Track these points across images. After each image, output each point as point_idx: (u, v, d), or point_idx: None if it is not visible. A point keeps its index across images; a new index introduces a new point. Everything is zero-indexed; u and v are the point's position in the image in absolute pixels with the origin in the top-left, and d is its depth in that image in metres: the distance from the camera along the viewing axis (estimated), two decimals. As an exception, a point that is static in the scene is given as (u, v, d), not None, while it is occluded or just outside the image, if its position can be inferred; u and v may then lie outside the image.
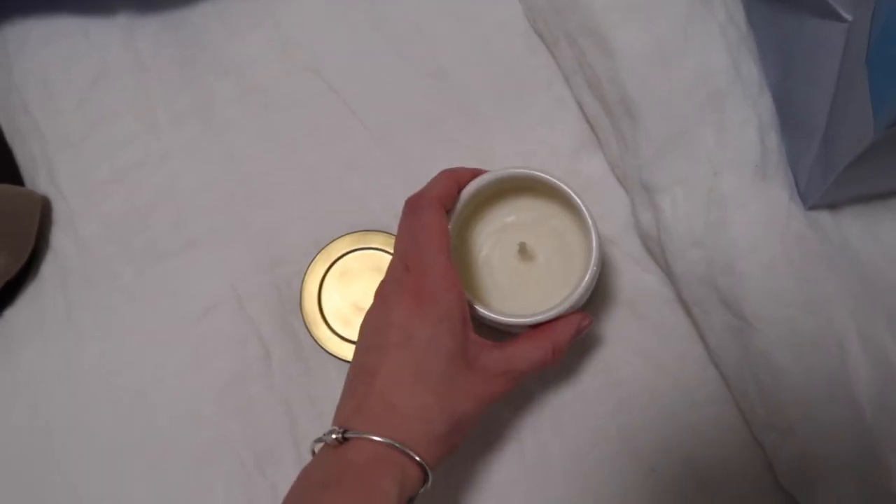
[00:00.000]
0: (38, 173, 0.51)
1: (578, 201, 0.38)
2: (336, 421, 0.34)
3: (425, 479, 0.32)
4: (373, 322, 0.35)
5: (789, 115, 0.40)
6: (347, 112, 0.50)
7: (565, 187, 0.38)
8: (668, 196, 0.40)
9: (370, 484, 0.30)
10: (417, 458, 0.31)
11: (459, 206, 0.38)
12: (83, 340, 0.49)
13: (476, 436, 0.45)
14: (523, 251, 0.40)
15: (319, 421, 0.46)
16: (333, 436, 0.32)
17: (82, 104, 0.51)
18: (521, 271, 0.42)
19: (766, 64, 0.41)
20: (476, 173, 0.39)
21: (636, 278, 0.45)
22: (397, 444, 0.31)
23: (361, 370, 0.35)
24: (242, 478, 0.45)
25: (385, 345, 0.33)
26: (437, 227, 0.35)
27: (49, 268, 0.51)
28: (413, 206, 0.36)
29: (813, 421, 0.36)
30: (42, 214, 0.50)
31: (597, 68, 0.41)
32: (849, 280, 0.38)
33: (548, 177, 0.38)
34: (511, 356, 0.36)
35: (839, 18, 0.35)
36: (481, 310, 0.37)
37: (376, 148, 0.49)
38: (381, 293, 0.36)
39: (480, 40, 0.49)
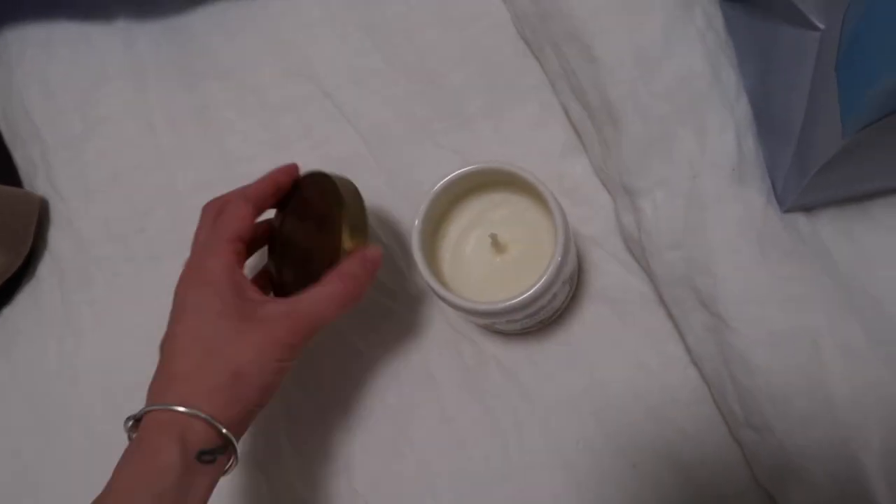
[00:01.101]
0: (38, 175, 0.53)
1: (547, 193, 0.38)
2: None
3: (220, 433, 0.33)
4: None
5: (766, 120, 0.41)
6: (340, 116, 0.51)
7: (534, 179, 0.38)
8: (648, 198, 0.41)
9: (151, 450, 0.32)
10: (185, 410, 0.32)
11: (431, 199, 0.39)
12: (80, 339, 0.50)
13: (459, 434, 0.46)
14: (495, 243, 0.41)
15: (315, 414, 0.47)
16: (130, 422, 0.34)
17: (81, 107, 0.52)
18: (494, 264, 0.42)
19: (744, 70, 0.42)
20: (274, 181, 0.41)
21: (620, 279, 0.46)
22: (169, 406, 0.32)
23: (160, 352, 0.36)
24: (237, 471, 0.46)
25: (171, 321, 0.36)
26: (238, 212, 0.38)
27: (47, 267, 0.52)
28: (235, 195, 0.40)
29: (788, 418, 0.37)
30: (40, 215, 0.51)
31: (580, 74, 0.43)
32: (823, 280, 0.39)
33: (518, 170, 0.39)
34: (294, 301, 0.36)
35: (812, 27, 0.36)
36: (447, 294, 0.38)
37: (367, 151, 0.51)
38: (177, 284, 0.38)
39: (469, 46, 0.50)
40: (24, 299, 0.52)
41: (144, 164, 0.52)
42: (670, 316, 0.44)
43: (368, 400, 0.47)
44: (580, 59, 0.42)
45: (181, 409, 0.32)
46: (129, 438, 0.34)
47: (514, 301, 0.37)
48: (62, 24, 0.54)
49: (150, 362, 0.49)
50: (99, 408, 0.49)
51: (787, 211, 0.41)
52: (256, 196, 0.40)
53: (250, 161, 0.51)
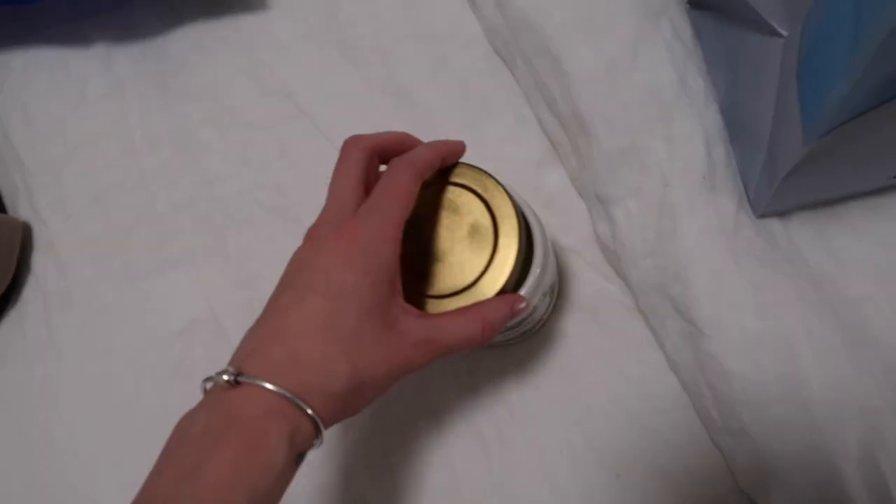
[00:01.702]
0: (20, 200, 0.53)
1: (523, 204, 0.37)
2: (232, 361, 0.30)
3: (317, 436, 0.29)
4: (299, 262, 0.33)
5: (737, 127, 0.41)
6: (318, 133, 0.52)
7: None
8: (621, 207, 0.41)
9: (257, 441, 0.27)
10: (310, 413, 0.28)
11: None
12: (65, 362, 0.50)
13: (442, 444, 0.45)
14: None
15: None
16: (224, 377, 0.28)
17: (62, 131, 0.53)
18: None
19: (714, 77, 0.42)
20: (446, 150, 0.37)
21: (600, 288, 0.46)
22: (290, 396, 0.28)
23: (274, 307, 0.31)
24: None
25: (304, 286, 0.31)
26: (409, 188, 0.33)
27: (31, 291, 0.52)
28: (394, 164, 0.34)
29: (765, 423, 0.37)
30: (23, 240, 0.52)
31: (551, 87, 0.43)
32: (798, 284, 0.39)
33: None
34: (435, 327, 0.33)
35: (776, 34, 0.37)
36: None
37: (346, 167, 0.51)
38: (313, 234, 0.33)
39: (443, 61, 0.51)
40: (9, 324, 0.52)
41: (124, 185, 0.52)
42: (648, 323, 0.44)
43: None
44: (551, 71, 0.43)
45: (307, 408, 0.28)
46: (204, 391, 0.30)
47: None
48: (41, 49, 0.54)
49: (133, 382, 0.50)
50: (83, 432, 0.49)
51: (761, 216, 0.41)
52: (424, 169, 0.34)
53: (228, 180, 0.51)
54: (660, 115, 0.40)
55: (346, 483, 0.46)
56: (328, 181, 0.51)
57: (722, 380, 0.38)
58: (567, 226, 0.47)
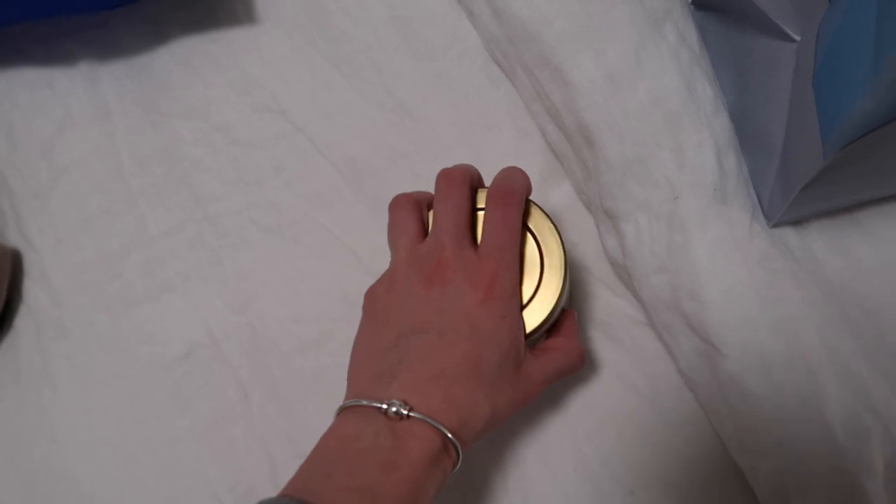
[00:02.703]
0: (8, 226, 0.51)
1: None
2: (383, 393, 0.31)
3: (452, 469, 0.32)
4: (431, 302, 0.33)
5: (748, 134, 0.40)
6: (313, 150, 0.50)
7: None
8: (630, 222, 0.40)
9: (421, 483, 0.29)
10: (459, 451, 0.31)
11: None
12: (60, 391, 0.49)
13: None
14: None
15: (299, 461, 0.46)
16: (395, 409, 0.30)
17: (47, 154, 0.51)
18: None
19: (723, 83, 0.41)
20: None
21: (608, 302, 0.45)
22: (451, 438, 0.30)
23: (409, 348, 0.32)
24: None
25: (448, 329, 0.32)
26: (518, 225, 0.36)
27: (23, 320, 0.51)
28: (506, 197, 0.36)
29: (786, 443, 0.36)
30: (13, 267, 0.50)
31: (554, 98, 0.41)
32: (815, 297, 0.38)
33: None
34: (550, 363, 0.36)
35: (788, 39, 0.35)
36: None
37: (343, 184, 0.49)
38: (441, 274, 0.34)
39: (440, 73, 0.49)
40: (2, 353, 0.51)
41: (114, 209, 0.50)
42: (660, 339, 0.43)
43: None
44: (552, 82, 0.41)
45: (461, 452, 0.31)
46: (341, 410, 0.33)
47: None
48: (23, 70, 0.52)
49: (130, 410, 0.49)
50: (82, 463, 0.48)
51: (775, 226, 0.40)
52: (524, 200, 0.38)
53: (221, 200, 0.50)
54: (667, 124, 0.39)
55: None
56: (325, 198, 0.50)
57: (741, 400, 0.37)
58: (574, 241, 0.46)
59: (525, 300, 0.37)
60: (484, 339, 0.33)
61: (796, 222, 0.40)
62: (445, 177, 0.37)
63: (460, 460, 0.32)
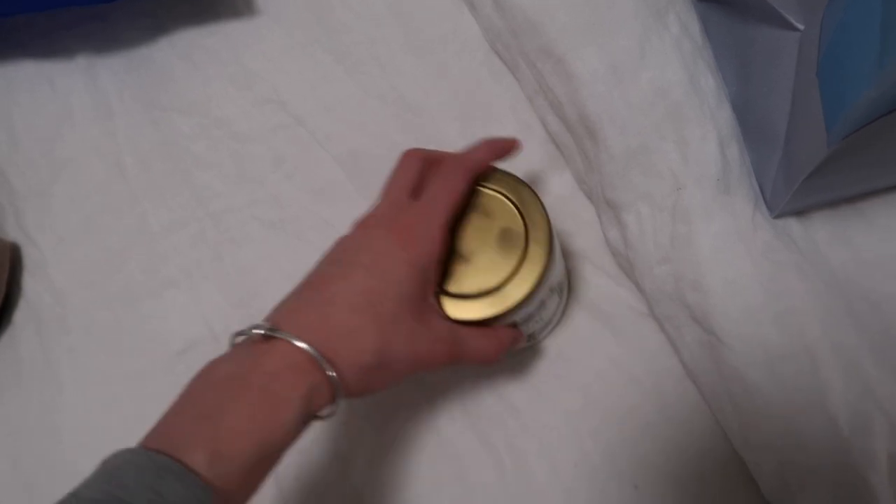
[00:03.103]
0: (7, 221, 0.51)
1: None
2: (267, 318, 0.32)
3: (333, 401, 0.31)
4: (348, 241, 0.35)
5: (751, 124, 0.40)
6: (314, 143, 0.50)
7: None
8: (632, 213, 0.40)
9: (275, 393, 0.29)
10: (332, 374, 0.30)
11: None
12: (61, 386, 0.49)
13: (453, 456, 0.45)
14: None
15: (298, 453, 0.46)
16: (255, 331, 0.30)
17: (48, 151, 0.51)
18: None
19: (725, 74, 0.40)
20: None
21: (611, 293, 0.45)
22: (316, 355, 0.29)
23: (316, 278, 0.34)
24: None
25: (353, 263, 0.33)
26: (459, 188, 0.36)
27: (23, 315, 0.51)
28: (453, 162, 0.37)
29: (789, 435, 0.36)
30: (13, 262, 0.50)
31: (556, 90, 0.41)
32: (819, 288, 0.37)
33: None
34: (458, 333, 0.35)
35: (791, 28, 0.35)
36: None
37: (345, 177, 0.49)
38: (365, 223, 0.35)
39: (441, 65, 0.49)
40: (3, 348, 0.51)
41: (115, 206, 0.50)
42: (662, 330, 0.43)
43: (359, 429, 0.46)
44: (555, 74, 0.41)
45: (331, 372, 0.30)
46: (232, 346, 0.32)
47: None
48: (22, 65, 0.52)
49: (131, 405, 0.48)
50: (84, 459, 0.47)
51: (778, 217, 0.39)
52: (476, 170, 0.37)
53: (222, 195, 0.50)
54: (670, 115, 0.39)
55: (354, 496, 0.45)
56: (327, 193, 0.50)
57: (744, 393, 0.37)
58: (575, 230, 0.46)
59: (507, 274, 0.36)
60: (386, 277, 0.32)
61: (799, 213, 0.40)
62: (402, 154, 0.38)
63: (341, 391, 0.30)
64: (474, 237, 0.37)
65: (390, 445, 0.45)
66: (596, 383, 0.44)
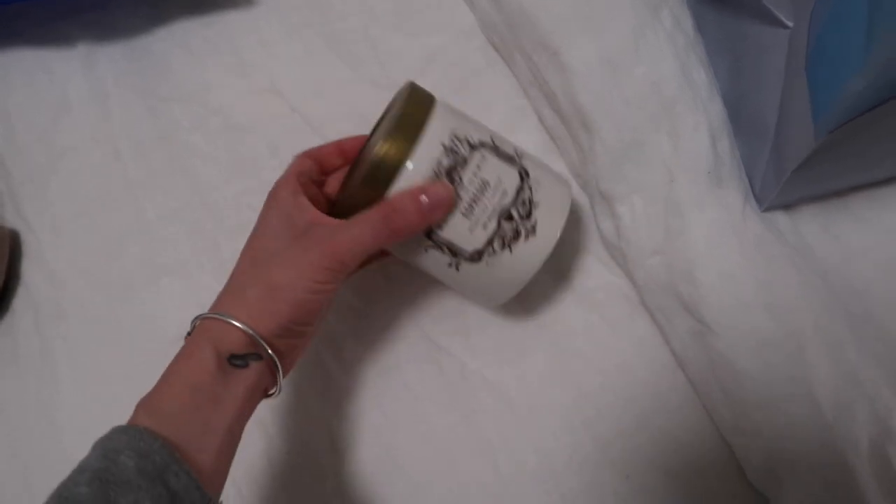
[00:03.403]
0: (6, 208, 0.51)
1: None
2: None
3: (252, 342, 0.34)
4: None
5: (741, 119, 0.41)
6: (309, 130, 0.50)
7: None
8: (626, 204, 0.40)
9: (188, 350, 0.35)
10: (217, 317, 0.34)
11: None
12: (58, 372, 0.49)
13: (445, 449, 0.45)
14: None
15: (293, 439, 0.47)
16: (186, 335, 0.36)
17: (45, 138, 0.51)
18: None
19: (716, 69, 0.41)
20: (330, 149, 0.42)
21: (605, 282, 0.46)
22: (214, 315, 0.35)
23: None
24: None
25: (242, 253, 0.38)
26: (297, 161, 0.40)
27: (21, 301, 0.51)
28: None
29: (776, 421, 0.37)
30: (11, 248, 0.50)
31: (551, 82, 0.42)
32: (806, 279, 0.38)
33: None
34: (338, 226, 0.36)
35: (781, 24, 0.36)
36: None
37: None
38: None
39: (436, 55, 0.49)
40: (1, 335, 0.51)
41: (112, 194, 0.51)
42: (654, 320, 0.43)
43: (352, 422, 0.46)
44: (550, 66, 0.41)
45: (215, 315, 0.34)
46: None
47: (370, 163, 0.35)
48: (20, 52, 0.52)
49: (127, 392, 0.49)
50: (79, 445, 0.48)
51: (767, 210, 0.40)
52: (318, 154, 0.41)
53: (219, 184, 0.50)
54: (663, 108, 0.39)
55: (350, 488, 0.45)
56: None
57: (733, 379, 0.38)
58: (570, 219, 0.46)
59: (376, 146, 0.36)
60: (257, 230, 0.37)
61: (788, 206, 0.41)
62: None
63: (249, 325, 0.34)
64: (372, 139, 0.39)
65: (383, 438, 0.46)
66: (589, 373, 0.45)
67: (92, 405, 0.48)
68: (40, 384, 0.49)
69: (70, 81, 0.52)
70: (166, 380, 0.34)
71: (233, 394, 0.33)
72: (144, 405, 0.33)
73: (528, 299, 0.46)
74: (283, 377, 0.36)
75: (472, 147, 0.37)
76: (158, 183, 0.51)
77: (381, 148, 0.35)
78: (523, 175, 0.38)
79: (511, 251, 0.38)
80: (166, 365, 0.48)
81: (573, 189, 0.46)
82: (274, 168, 0.50)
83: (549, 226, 0.38)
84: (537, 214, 0.38)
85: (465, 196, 0.36)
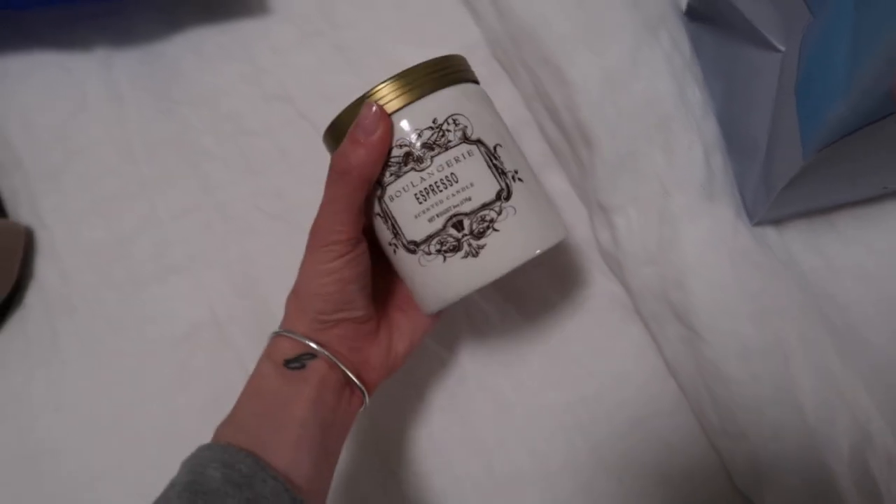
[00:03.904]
0: (21, 204, 0.53)
1: None
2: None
3: (301, 343, 0.36)
4: None
5: (734, 137, 0.42)
6: (318, 137, 0.51)
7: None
8: (622, 215, 0.42)
9: (254, 371, 0.37)
10: (278, 331, 0.37)
11: None
12: (68, 366, 0.50)
13: (441, 450, 0.46)
14: None
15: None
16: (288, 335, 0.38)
17: (62, 136, 0.53)
18: None
19: (711, 89, 0.43)
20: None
21: (602, 289, 0.47)
22: (273, 333, 0.37)
23: None
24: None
25: None
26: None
27: (34, 296, 0.52)
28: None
29: (761, 427, 0.39)
30: (26, 245, 0.52)
31: (553, 96, 0.44)
32: (792, 292, 0.40)
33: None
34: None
35: (773, 48, 0.38)
36: None
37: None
38: None
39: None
40: (12, 328, 0.52)
41: (125, 192, 0.52)
42: (647, 327, 0.45)
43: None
44: (552, 81, 0.43)
45: (279, 330, 0.37)
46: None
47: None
48: (41, 55, 0.54)
49: (134, 387, 0.50)
50: (85, 437, 0.49)
51: (757, 225, 0.42)
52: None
53: (229, 186, 0.52)
54: (659, 124, 0.41)
55: (346, 487, 0.47)
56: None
57: (720, 384, 0.39)
58: (570, 226, 0.48)
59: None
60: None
61: (777, 222, 0.43)
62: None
63: (295, 335, 0.36)
64: None
65: (378, 440, 0.47)
66: (584, 378, 0.46)
67: (99, 399, 0.50)
68: (49, 376, 0.50)
69: (87, 83, 0.53)
70: (238, 399, 0.36)
71: (298, 391, 0.35)
72: (222, 424, 0.35)
73: (526, 304, 0.48)
74: (369, 375, 0.37)
75: (466, 138, 0.34)
76: (170, 183, 0.52)
77: (375, 92, 0.34)
78: (502, 194, 0.34)
79: (444, 261, 0.34)
80: (174, 361, 0.50)
81: (575, 201, 0.48)
82: (283, 172, 0.52)
83: (496, 258, 0.33)
84: (490, 241, 0.33)
85: (428, 179, 0.33)
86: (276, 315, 0.49)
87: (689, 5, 0.45)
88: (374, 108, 0.33)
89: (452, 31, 0.51)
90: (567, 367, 0.46)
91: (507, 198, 0.34)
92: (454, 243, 0.34)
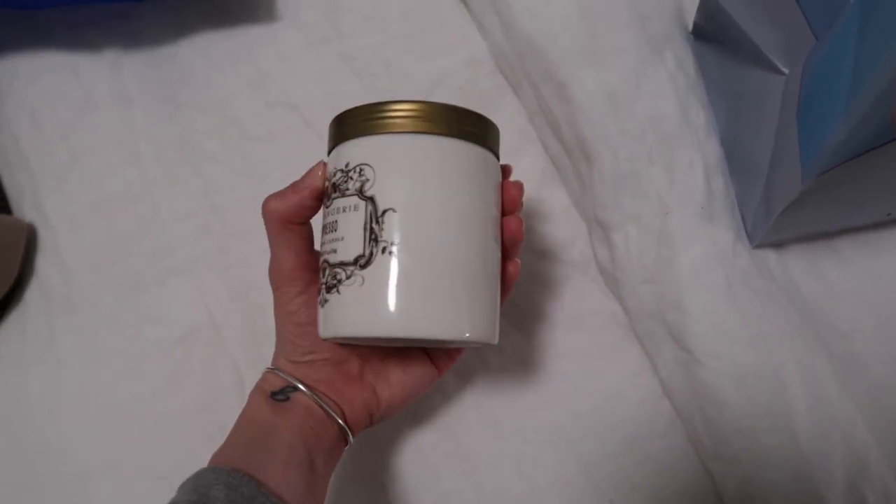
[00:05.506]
0: (25, 202, 0.53)
1: None
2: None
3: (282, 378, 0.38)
4: None
5: (737, 159, 0.42)
6: (322, 145, 0.52)
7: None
8: (621, 233, 0.42)
9: (247, 402, 0.38)
10: (269, 367, 0.39)
11: None
12: (64, 364, 0.51)
13: (430, 465, 0.46)
14: None
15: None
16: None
17: (68, 136, 0.53)
18: None
19: (715, 109, 0.43)
20: None
21: (598, 306, 0.46)
22: (265, 369, 0.39)
23: None
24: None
25: None
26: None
27: (34, 294, 0.52)
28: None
29: (754, 451, 0.38)
30: (28, 241, 0.52)
31: (556, 112, 0.43)
32: (791, 316, 0.40)
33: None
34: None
35: (777, 71, 0.37)
36: None
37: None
38: None
39: (447, 77, 0.51)
40: (11, 325, 0.52)
41: (129, 193, 0.52)
42: (643, 347, 0.45)
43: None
44: (556, 97, 0.43)
45: (269, 367, 0.39)
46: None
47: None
48: (50, 56, 0.54)
49: (129, 387, 0.50)
50: (79, 436, 0.49)
51: (758, 247, 0.42)
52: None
53: (230, 191, 0.52)
54: (661, 144, 0.41)
55: (336, 502, 0.46)
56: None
57: (714, 408, 0.39)
58: (568, 242, 0.48)
59: None
60: None
61: (777, 245, 0.42)
62: None
63: (279, 372, 0.38)
64: None
65: (368, 455, 0.47)
66: (577, 397, 0.46)
67: (95, 399, 0.50)
68: (45, 374, 0.50)
69: (96, 85, 0.54)
70: (232, 429, 0.38)
71: (285, 419, 0.36)
72: (217, 453, 0.36)
73: (523, 322, 0.48)
74: (354, 415, 0.38)
75: (359, 192, 0.33)
76: (174, 185, 0.52)
77: (333, 124, 0.37)
78: (360, 260, 0.32)
79: (318, 296, 0.35)
80: (170, 363, 0.50)
81: (575, 216, 0.47)
82: (285, 178, 0.52)
83: (331, 320, 0.33)
84: (332, 300, 0.33)
85: (326, 218, 0.35)
86: (271, 321, 0.49)
87: (695, 24, 0.44)
88: (316, 165, 0.37)
89: (458, 43, 0.51)
90: (560, 385, 0.46)
91: (364, 266, 0.32)
92: (325, 288, 0.34)
